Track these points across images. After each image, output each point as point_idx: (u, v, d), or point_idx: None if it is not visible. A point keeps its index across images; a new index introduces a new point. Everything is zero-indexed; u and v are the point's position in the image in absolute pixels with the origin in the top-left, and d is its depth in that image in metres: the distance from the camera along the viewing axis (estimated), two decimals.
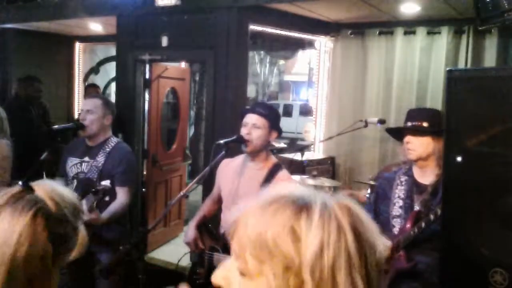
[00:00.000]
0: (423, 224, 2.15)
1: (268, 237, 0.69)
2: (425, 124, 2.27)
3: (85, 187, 2.80)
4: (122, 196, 2.81)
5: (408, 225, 2.24)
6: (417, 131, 2.26)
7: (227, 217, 2.62)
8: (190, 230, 2.67)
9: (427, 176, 2.30)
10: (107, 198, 2.64)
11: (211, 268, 2.55)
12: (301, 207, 0.71)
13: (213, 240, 2.65)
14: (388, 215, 2.36)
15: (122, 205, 2.81)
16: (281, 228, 0.69)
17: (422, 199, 2.27)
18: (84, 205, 2.46)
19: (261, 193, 0.76)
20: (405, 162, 2.43)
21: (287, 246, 0.68)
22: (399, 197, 2.35)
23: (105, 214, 2.68)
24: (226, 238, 0.79)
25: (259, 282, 0.70)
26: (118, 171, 2.84)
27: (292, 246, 0.68)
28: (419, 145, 2.25)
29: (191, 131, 8.44)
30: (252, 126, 2.43)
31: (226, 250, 2.50)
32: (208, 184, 2.77)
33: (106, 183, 2.61)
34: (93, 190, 2.49)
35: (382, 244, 0.75)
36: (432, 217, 2.11)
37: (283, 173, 2.50)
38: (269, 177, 2.44)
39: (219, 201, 2.73)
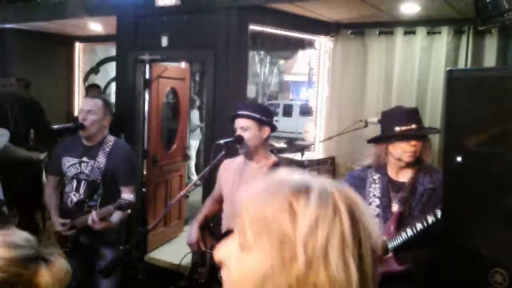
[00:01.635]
0: (419, 227, 2.11)
1: (267, 213, 0.73)
2: (423, 125, 2.28)
3: (90, 189, 2.81)
4: (130, 195, 2.81)
5: (392, 227, 2.21)
6: (425, 135, 2.24)
7: (227, 216, 2.62)
8: (193, 231, 2.67)
9: (403, 173, 2.28)
10: (129, 211, 2.66)
11: (213, 267, 2.55)
12: (301, 188, 0.75)
13: (214, 239, 2.65)
14: None
15: (130, 204, 2.82)
16: (280, 205, 0.73)
17: (400, 197, 2.24)
18: (95, 215, 2.54)
19: (266, 177, 0.80)
20: (370, 165, 2.40)
21: (284, 221, 0.72)
22: (374, 195, 2.31)
23: (115, 217, 2.69)
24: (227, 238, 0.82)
25: (256, 254, 0.74)
26: (121, 171, 2.84)
27: (289, 221, 0.72)
28: (420, 147, 2.23)
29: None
30: (241, 129, 2.44)
31: None
32: (208, 184, 2.77)
33: (129, 197, 2.64)
34: (118, 205, 2.54)
35: (377, 233, 0.77)
36: (430, 219, 2.09)
37: None
38: None
39: (220, 200, 2.72)
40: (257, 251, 0.74)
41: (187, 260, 2.80)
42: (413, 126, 2.26)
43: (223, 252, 0.79)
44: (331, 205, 0.73)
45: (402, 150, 2.24)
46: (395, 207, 2.24)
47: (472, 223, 1.77)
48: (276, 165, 2.50)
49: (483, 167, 1.72)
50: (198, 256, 2.69)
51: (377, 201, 2.30)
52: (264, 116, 2.47)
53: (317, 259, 0.70)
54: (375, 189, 2.32)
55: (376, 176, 2.35)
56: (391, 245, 2.21)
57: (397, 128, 2.26)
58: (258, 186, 0.78)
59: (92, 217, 2.56)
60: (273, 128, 2.51)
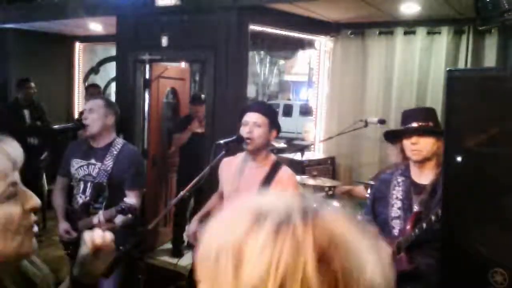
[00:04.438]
0: (424, 225, 2.14)
1: (212, 253, 0.58)
2: (431, 124, 2.27)
3: (96, 191, 2.81)
4: (132, 199, 2.81)
5: (408, 227, 2.23)
6: (426, 132, 2.23)
7: None
8: (192, 224, 2.69)
9: (425, 175, 2.29)
10: (130, 216, 2.66)
11: None
12: (255, 221, 0.57)
13: None
14: (387, 216, 2.35)
15: (131, 209, 2.81)
16: (227, 243, 0.57)
17: (421, 199, 2.26)
18: (102, 216, 2.53)
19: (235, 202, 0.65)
20: (398, 164, 2.43)
21: (227, 272, 0.56)
22: (397, 198, 2.34)
23: (119, 220, 2.70)
24: None
25: None
26: (128, 175, 2.83)
27: (232, 272, 0.56)
28: (426, 146, 2.23)
29: None
30: (253, 124, 2.43)
31: None
32: (208, 184, 2.76)
33: (130, 201, 2.65)
34: (120, 209, 2.55)
35: (377, 262, 0.57)
36: (433, 218, 2.10)
37: (285, 170, 2.50)
38: (271, 175, 2.45)
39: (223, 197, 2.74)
40: None
41: (188, 260, 2.80)
42: (414, 124, 2.27)
43: None
44: (289, 242, 0.54)
45: (407, 148, 2.27)
46: (415, 209, 2.27)
47: (472, 223, 1.77)
48: (276, 165, 2.51)
49: (483, 167, 1.72)
50: None
51: (399, 203, 2.33)
52: (276, 119, 2.56)
53: None
54: (398, 192, 2.35)
55: (400, 179, 2.37)
56: (405, 244, 2.23)
57: (403, 126, 2.30)
58: (218, 217, 0.63)
59: (99, 218, 2.58)
60: (279, 132, 2.55)
